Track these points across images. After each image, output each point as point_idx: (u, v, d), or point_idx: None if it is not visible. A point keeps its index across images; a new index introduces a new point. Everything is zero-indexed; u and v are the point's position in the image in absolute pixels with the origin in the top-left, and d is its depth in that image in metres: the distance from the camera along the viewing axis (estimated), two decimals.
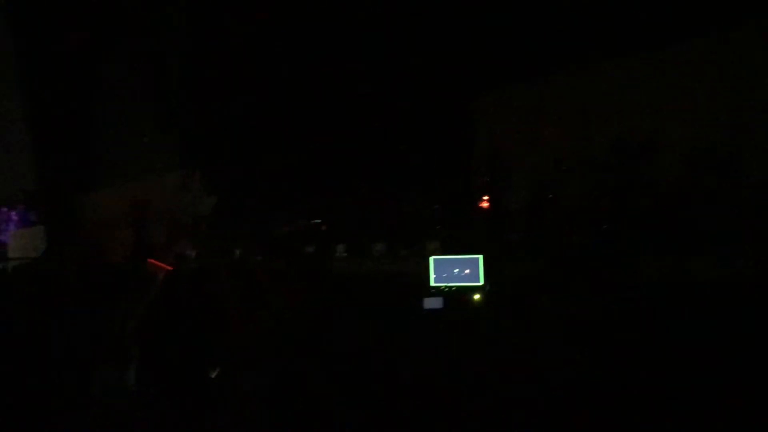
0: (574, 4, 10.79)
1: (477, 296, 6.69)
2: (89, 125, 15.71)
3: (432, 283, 6.89)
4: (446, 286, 6.83)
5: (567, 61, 11.02)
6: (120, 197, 15.17)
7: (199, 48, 14.65)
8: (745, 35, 9.39)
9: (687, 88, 10.05)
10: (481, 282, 6.75)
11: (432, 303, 6.73)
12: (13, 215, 15.25)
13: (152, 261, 6.13)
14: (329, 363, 5.90)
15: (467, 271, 6.80)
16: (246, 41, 14.05)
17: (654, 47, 10.28)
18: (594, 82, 11.06)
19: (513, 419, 4.53)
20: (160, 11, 14.92)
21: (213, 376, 5.15)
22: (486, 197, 11.06)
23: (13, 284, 9.62)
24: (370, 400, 5.00)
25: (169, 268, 5.96)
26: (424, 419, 4.61)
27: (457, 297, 6.78)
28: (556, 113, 11.40)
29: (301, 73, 13.71)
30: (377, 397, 5.04)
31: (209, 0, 14.54)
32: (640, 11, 10.23)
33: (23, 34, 14.69)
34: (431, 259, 7.00)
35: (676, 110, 10.13)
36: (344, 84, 13.30)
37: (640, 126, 10.16)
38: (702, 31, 9.76)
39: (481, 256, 6.80)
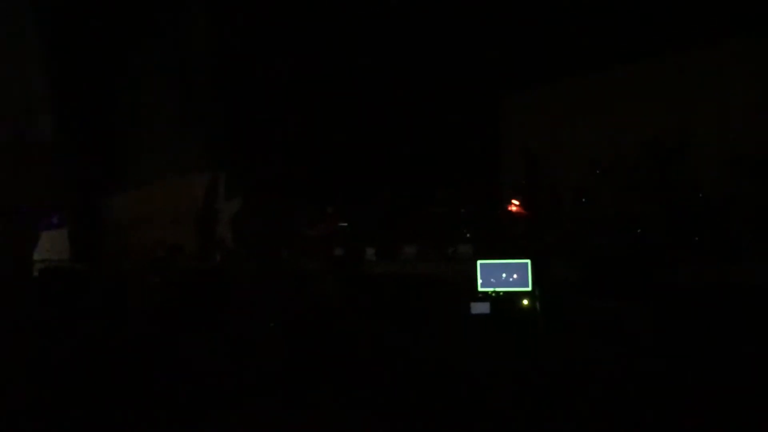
0: (607, 2, 10.73)
1: (526, 301, 6.67)
2: (114, 127, 15.73)
3: (479, 288, 6.86)
4: (494, 291, 6.81)
5: (600, 60, 10.97)
6: (146, 199, 15.20)
7: (224, 48, 14.64)
8: None
9: (721, 88, 10.04)
10: (530, 287, 6.72)
11: (479, 308, 6.71)
12: (55, 219, 15.26)
13: None
14: (376, 368, 5.91)
15: (515, 275, 6.78)
16: (271, 41, 14.03)
17: (688, 47, 10.26)
18: (628, 81, 11.03)
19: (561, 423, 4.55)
20: (185, 10, 14.93)
21: None
22: (515, 200, 10.99)
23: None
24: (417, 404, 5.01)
25: None
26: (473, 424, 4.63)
27: (504, 302, 6.75)
28: (589, 114, 11.36)
29: (329, 73, 13.69)
30: (424, 401, 5.04)
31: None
32: (672, 10, 10.19)
33: (49, 35, 14.70)
34: (478, 263, 6.97)
35: (711, 111, 10.12)
36: (372, 84, 13.26)
37: (675, 127, 10.15)
38: (736, 31, 9.73)
39: (529, 261, 6.78)
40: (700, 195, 9.05)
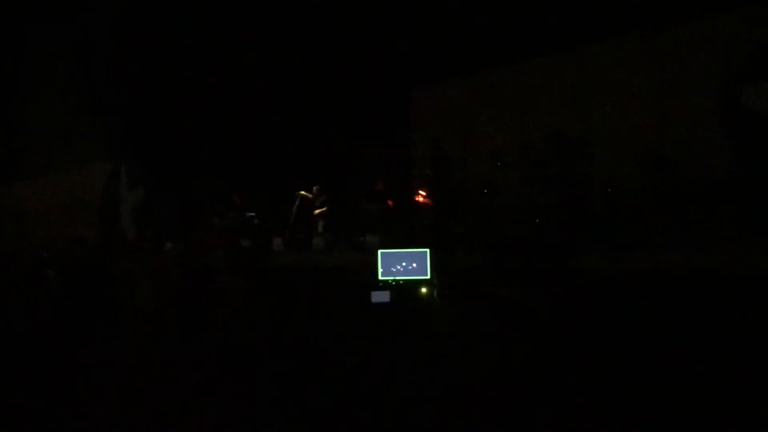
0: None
1: (425, 289, 6.71)
2: (10, 117, 14.89)
3: (380, 277, 6.85)
4: (394, 280, 6.82)
5: (504, 54, 11.20)
6: (45, 190, 14.45)
7: (123, 38, 14.08)
8: (672, 33, 9.83)
9: (619, 82, 10.44)
10: (429, 275, 6.77)
11: (380, 297, 6.70)
12: None
13: None
14: (280, 358, 5.82)
15: (414, 264, 6.81)
16: (171, 31, 13.62)
17: (585, 42, 10.61)
18: (529, 75, 11.31)
19: (465, 409, 4.56)
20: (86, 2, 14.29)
21: None
22: (422, 191, 11.07)
23: None
24: (322, 395, 4.93)
25: None
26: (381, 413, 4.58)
27: (404, 290, 6.77)
28: (493, 107, 11.60)
29: (238, 62, 13.41)
30: (330, 392, 4.97)
31: None
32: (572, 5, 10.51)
33: None
34: (379, 252, 6.96)
35: (608, 104, 10.52)
36: (276, 74, 13.09)
37: (575, 120, 10.49)
38: (632, 27, 10.14)
39: (428, 250, 6.82)
40: (609, 190, 9.31)
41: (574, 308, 6.50)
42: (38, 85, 14.64)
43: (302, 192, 11.89)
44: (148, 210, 13.32)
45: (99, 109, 13.97)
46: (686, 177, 8.85)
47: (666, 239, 8.08)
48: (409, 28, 11.98)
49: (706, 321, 5.54)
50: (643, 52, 10.25)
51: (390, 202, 11.20)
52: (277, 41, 13.25)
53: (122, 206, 13.50)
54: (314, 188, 11.97)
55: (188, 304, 7.52)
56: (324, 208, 11.78)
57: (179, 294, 8.01)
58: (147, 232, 12.77)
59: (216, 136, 13.67)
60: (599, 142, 10.07)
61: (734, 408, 4.13)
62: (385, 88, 12.55)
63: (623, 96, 10.38)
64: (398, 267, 6.82)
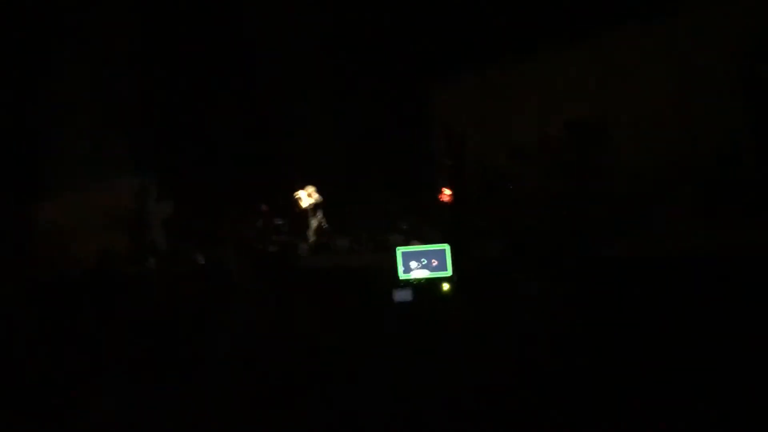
0: None
1: (447, 286, 6.75)
2: (40, 134, 15.27)
3: (400, 276, 6.91)
4: (415, 278, 6.87)
5: (521, 45, 11.16)
6: (75, 205, 14.78)
7: (150, 54, 14.36)
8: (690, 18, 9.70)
9: (636, 70, 10.34)
10: (449, 272, 6.81)
11: (402, 295, 6.75)
12: None
13: None
14: (305, 357, 5.91)
15: (435, 261, 6.85)
16: (196, 46, 13.87)
17: (600, 32, 10.52)
18: (547, 66, 11.26)
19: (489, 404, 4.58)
20: (111, 18, 14.60)
21: None
22: (446, 188, 11.11)
23: None
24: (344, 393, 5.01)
25: None
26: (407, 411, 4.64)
27: (426, 288, 6.82)
28: (512, 98, 11.58)
29: (258, 70, 13.61)
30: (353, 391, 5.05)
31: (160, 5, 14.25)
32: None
33: None
34: (398, 250, 7.02)
35: (625, 93, 10.41)
36: (296, 80, 13.24)
37: (594, 110, 10.41)
38: (648, 14, 10.03)
39: (447, 246, 6.86)
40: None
41: (597, 300, 6.45)
42: (65, 104, 14.98)
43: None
44: (177, 222, 13.56)
45: (125, 124, 14.28)
46: (706, 164, 8.76)
47: (687, 227, 8.00)
48: (428, 23, 12.02)
49: (734, 310, 5.41)
50: (661, 39, 10.12)
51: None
52: (300, 43, 13.40)
53: (151, 219, 13.75)
54: (308, 188, 12.11)
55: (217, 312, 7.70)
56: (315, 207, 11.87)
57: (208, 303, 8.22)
58: (177, 244, 13.00)
59: (242, 144, 13.86)
60: (618, 131, 10.00)
61: None
62: (404, 84, 12.60)
63: (642, 84, 10.27)
64: (419, 264, 6.87)
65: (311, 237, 11.96)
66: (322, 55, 13.18)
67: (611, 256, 7.60)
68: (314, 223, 12.05)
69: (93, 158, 14.48)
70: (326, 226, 12.08)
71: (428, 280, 6.86)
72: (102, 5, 15.03)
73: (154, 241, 13.44)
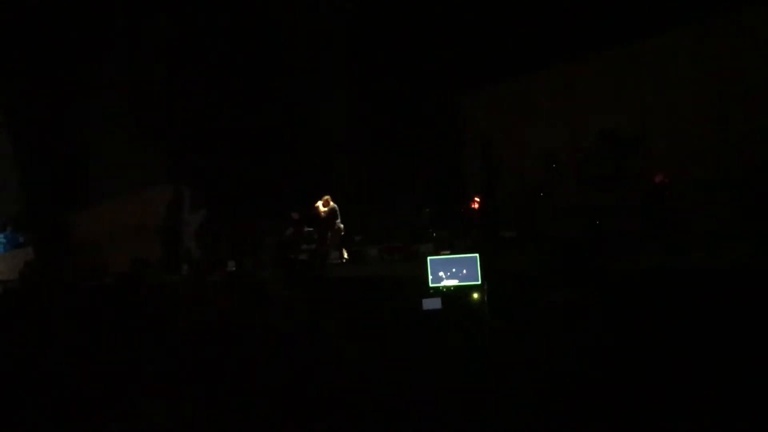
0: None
1: (476, 295, 6.67)
2: (75, 144, 15.64)
3: (430, 284, 6.85)
4: (444, 287, 6.81)
5: (554, 54, 11.08)
6: (110, 214, 15.08)
7: (184, 64, 14.63)
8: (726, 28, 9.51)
9: (671, 80, 10.16)
10: (480, 281, 6.72)
11: (431, 304, 6.69)
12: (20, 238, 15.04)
13: None
14: (332, 367, 5.90)
15: (465, 270, 6.78)
16: (229, 56, 14.08)
17: (635, 40, 10.38)
18: (579, 74, 11.14)
19: (519, 413, 4.53)
20: (146, 28, 14.93)
21: None
22: (477, 198, 11.06)
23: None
24: (373, 403, 4.98)
25: None
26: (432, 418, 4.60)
27: (455, 297, 6.75)
28: (545, 107, 11.48)
29: (292, 80, 13.75)
30: (381, 401, 5.02)
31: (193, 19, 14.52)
32: (621, 5, 10.32)
33: (4, 55, 14.63)
34: (428, 259, 6.97)
35: (661, 103, 10.24)
36: (330, 90, 13.34)
37: (628, 119, 10.26)
38: (685, 24, 9.87)
39: (477, 255, 6.78)
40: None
41: (629, 311, 6.33)
42: (101, 115, 15.32)
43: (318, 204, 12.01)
44: (210, 230, 13.73)
45: (160, 135, 14.53)
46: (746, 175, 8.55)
47: (727, 238, 7.82)
48: (460, 32, 12.02)
49: None
50: (696, 46, 9.95)
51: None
52: (335, 58, 13.53)
53: (185, 227, 13.95)
54: (325, 197, 12.07)
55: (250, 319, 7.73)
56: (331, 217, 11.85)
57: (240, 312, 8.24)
58: (209, 252, 13.15)
59: (274, 154, 13.99)
60: (653, 140, 9.83)
61: None
62: (436, 95, 12.60)
63: (677, 92, 10.09)
64: (448, 273, 6.81)
65: (334, 244, 11.91)
66: (356, 68, 13.26)
67: (646, 268, 7.45)
68: (334, 229, 12.02)
69: (128, 168, 14.77)
70: (344, 232, 12.01)
71: (458, 289, 6.78)
72: (137, 20, 15.40)
73: (188, 249, 13.61)
